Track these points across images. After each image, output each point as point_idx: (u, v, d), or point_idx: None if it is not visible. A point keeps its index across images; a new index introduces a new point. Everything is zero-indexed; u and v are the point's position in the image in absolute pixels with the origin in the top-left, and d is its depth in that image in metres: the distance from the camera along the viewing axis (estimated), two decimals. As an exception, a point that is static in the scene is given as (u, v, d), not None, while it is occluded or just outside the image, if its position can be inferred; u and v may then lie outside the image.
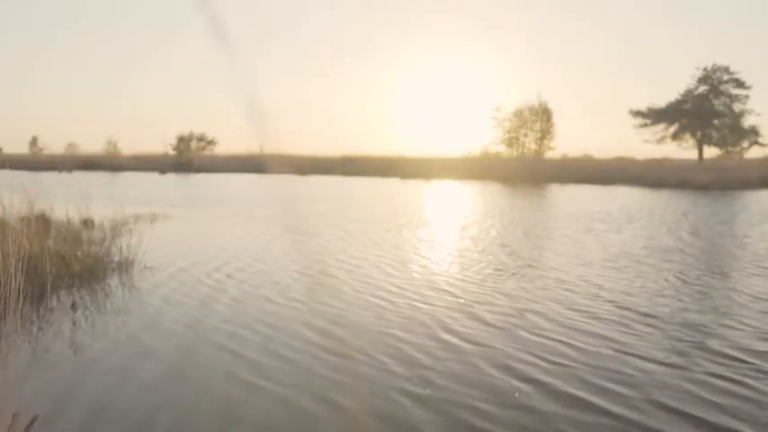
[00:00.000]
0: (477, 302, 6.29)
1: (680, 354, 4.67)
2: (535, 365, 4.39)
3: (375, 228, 13.05)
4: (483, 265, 8.62)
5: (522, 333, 5.21)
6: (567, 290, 6.93)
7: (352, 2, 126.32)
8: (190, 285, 6.98)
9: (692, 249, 10.32)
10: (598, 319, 5.68)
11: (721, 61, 54.34)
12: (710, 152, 54.27)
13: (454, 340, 4.99)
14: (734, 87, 53.04)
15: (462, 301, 6.38)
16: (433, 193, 28.10)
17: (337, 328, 5.31)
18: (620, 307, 6.11)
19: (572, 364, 4.43)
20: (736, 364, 4.45)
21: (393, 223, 13.95)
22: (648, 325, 5.45)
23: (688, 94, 54.29)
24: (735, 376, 4.19)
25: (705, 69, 53.57)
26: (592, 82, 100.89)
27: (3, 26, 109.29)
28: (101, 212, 13.01)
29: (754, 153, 53.60)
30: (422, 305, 6.17)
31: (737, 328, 5.38)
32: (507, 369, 4.30)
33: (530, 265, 8.60)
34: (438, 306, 6.13)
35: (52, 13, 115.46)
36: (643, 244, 10.90)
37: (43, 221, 10.41)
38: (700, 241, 11.52)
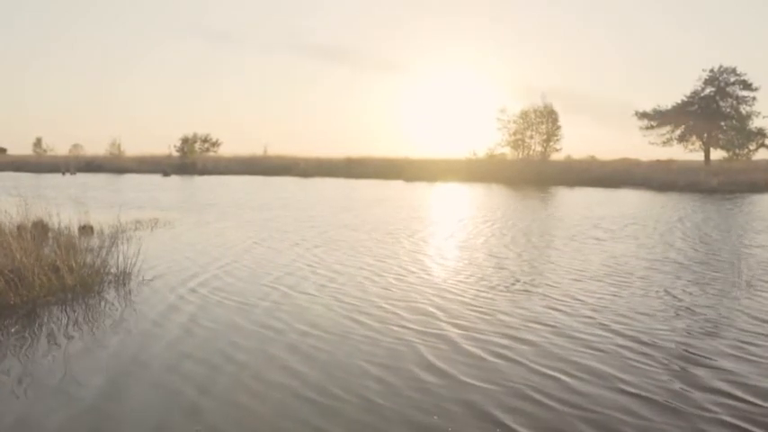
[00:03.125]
0: (464, 327, 5.72)
1: (686, 394, 4.14)
2: (524, 413, 3.84)
3: (368, 236, 12.61)
4: (474, 280, 8.02)
5: (511, 367, 4.64)
6: (563, 312, 6.35)
7: (355, 3, 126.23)
8: (190, 301, 6.65)
9: (703, 262, 9.77)
10: (596, 349, 5.11)
11: (727, 63, 53.77)
12: (715, 154, 53.82)
13: (434, 378, 4.42)
14: (741, 89, 52.49)
15: (447, 325, 5.80)
16: (435, 197, 27.72)
17: (303, 361, 4.76)
18: (620, 334, 5.54)
19: (566, 409, 3.89)
20: (749, 407, 3.93)
21: (386, 230, 13.51)
22: (650, 356, 4.92)
23: (694, 96, 53.77)
24: (746, 424, 3.70)
25: (712, 71, 53.07)
26: (594, 83, 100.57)
27: (4, 27, 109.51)
28: (101, 218, 12.77)
29: (761, 155, 53.19)
30: (402, 330, 5.63)
31: (750, 361, 4.86)
32: (493, 419, 3.74)
33: (525, 281, 7.99)
34: (420, 332, 5.57)
35: (54, 14, 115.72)
36: (650, 256, 10.30)
37: (41, 228, 10.18)
38: (712, 252, 10.94)
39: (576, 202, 24.12)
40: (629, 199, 26.07)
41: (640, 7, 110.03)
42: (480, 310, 6.41)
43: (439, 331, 5.59)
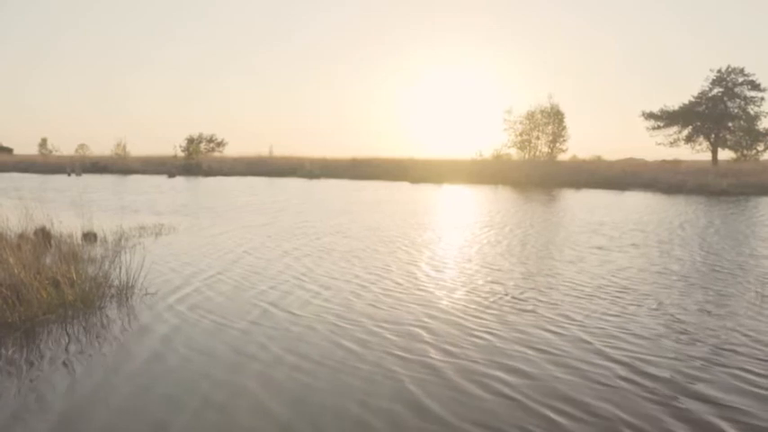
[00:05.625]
0: (453, 354, 5.36)
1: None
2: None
3: (364, 243, 12.34)
4: (468, 297, 7.59)
5: (502, 403, 4.29)
6: (560, 335, 5.93)
7: (358, 3, 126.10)
8: (196, 317, 6.46)
9: (712, 276, 9.34)
10: (594, 381, 4.75)
11: (731, 63, 53.33)
12: (722, 154, 53.40)
13: (418, 420, 4.02)
14: (749, 89, 52.07)
15: (436, 351, 5.43)
16: (438, 200, 27.43)
17: (274, 395, 4.40)
18: (620, 362, 5.13)
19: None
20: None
21: (383, 238, 13.19)
22: (651, 390, 4.53)
23: (702, 96, 53.36)
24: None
25: (719, 71, 52.65)
26: (597, 83, 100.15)
27: (8, 27, 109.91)
28: (104, 224, 12.60)
29: None
30: (386, 357, 5.23)
31: (760, 395, 4.49)
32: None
33: (520, 299, 7.53)
34: (406, 359, 5.17)
35: (57, 14, 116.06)
36: (655, 269, 9.74)
37: (43, 237, 10.01)
38: (722, 264, 10.44)
39: (581, 206, 23.76)
40: (636, 202, 25.69)
41: (641, 7, 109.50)
42: (472, 332, 6.02)
43: (426, 359, 5.22)
